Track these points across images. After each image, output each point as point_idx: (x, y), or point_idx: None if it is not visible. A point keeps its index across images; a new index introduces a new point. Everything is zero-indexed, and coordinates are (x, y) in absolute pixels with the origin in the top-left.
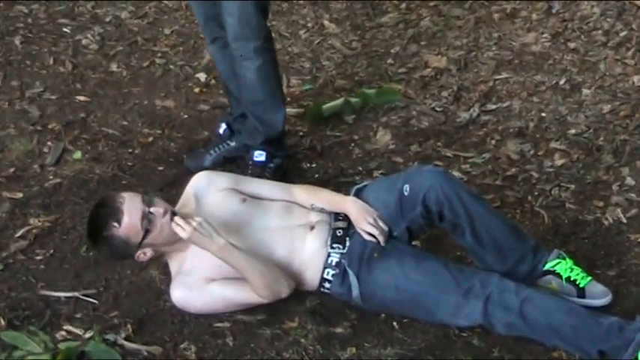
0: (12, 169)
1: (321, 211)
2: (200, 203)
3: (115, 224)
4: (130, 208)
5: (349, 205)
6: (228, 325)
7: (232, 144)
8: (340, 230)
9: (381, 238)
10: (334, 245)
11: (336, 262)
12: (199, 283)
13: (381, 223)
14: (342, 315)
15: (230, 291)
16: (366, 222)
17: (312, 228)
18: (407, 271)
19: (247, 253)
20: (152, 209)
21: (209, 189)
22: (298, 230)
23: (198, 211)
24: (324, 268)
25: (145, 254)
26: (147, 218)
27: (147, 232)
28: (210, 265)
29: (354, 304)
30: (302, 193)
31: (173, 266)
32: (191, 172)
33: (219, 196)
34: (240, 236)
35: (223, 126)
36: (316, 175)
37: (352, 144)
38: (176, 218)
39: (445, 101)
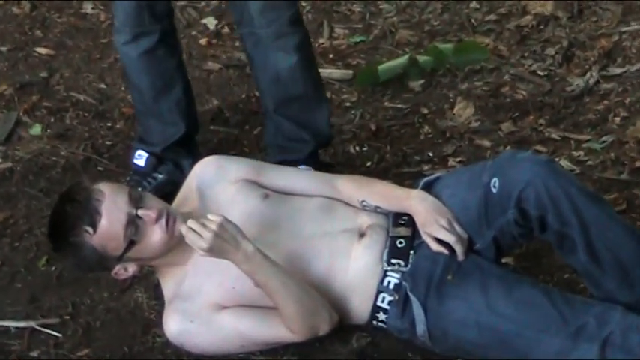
0: None
1: (376, 210)
2: (205, 200)
3: (89, 229)
4: (111, 209)
5: (415, 202)
6: None
7: (160, 177)
8: (402, 240)
9: (458, 248)
10: (393, 261)
11: (395, 285)
12: (204, 311)
13: (458, 228)
14: (402, 357)
15: (248, 323)
16: (437, 225)
17: (363, 235)
18: (493, 302)
19: (283, 270)
20: (141, 212)
21: (218, 180)
22: (342, 239)
23: (201, 210)
24: (378, 292)
25: (126, 270)
26: (133, 225)
27: (131, 243)
28: (219, 285)
29: (420, 345)
30: (349, 185)
31: (167, 287)
32: None
33: (232, 191)
34: (263, 246)
35: (143, 154)
36: (368, 164)
37: (420, 120)
38: (190, 222)
39: (550, 62)
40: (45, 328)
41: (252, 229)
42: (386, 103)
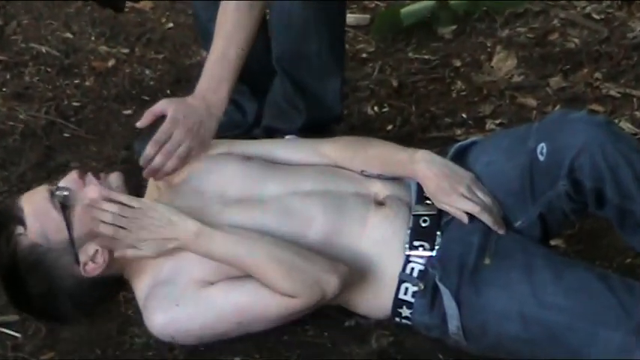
0: None
1: (378, 177)
2: (172, 185)
3: (19, 228)
4: (30, 196)
5: (421, 166)
6: None
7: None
8: (426, 218)
9: (486, 219)
10: (416, 243)
11: (420, 273)
12: (189, 290)
13: (480, 194)
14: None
15: (241, 292)
16: (454, 193)
17: (381, 205)
18: (540, 289)
19: (243, 233)
20: (62, 182)
21: None
22: (354, 202)
23: (169, 198)
24: (400, 282)
25: (94, 260)
26: (60, 192)
27: (65, 209)
28: (201, 259)
29: (452, 344)
30: (340, 152)
31: (141, 284)
32: None
33: (205, 164)
34: (246, 211)
35: None
36: (389, 127)
37: (451, 74)
38: (92, 189)
39: (608, 4)
40: (2, 327)
41: (235, 191)
42: (410, 54)
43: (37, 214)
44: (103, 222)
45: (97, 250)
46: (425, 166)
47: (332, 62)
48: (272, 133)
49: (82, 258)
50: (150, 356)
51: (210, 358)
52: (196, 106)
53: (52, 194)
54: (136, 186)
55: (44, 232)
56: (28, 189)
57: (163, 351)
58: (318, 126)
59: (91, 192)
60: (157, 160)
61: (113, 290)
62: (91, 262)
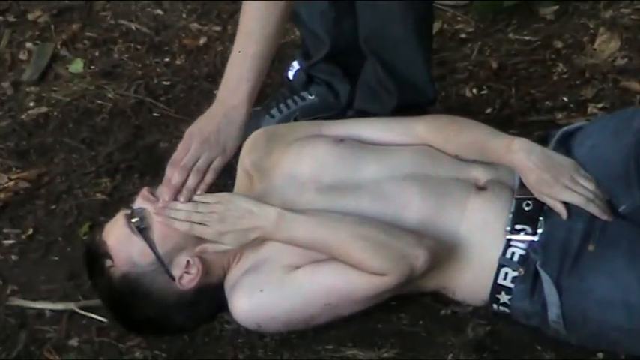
0: None
1: (474, 162)
2: (264, 174)
3: (107, 261)
4: (110, 228)
5: (519, 156)
6: None
7: (310, 98)
8: (529, 202)
9: (593, 209)
10: (517, 227)
11: (521, 257)
12: (274, 275)
13: (584, 182)
14: (529, 352)
15: (328, 272)
16: (557, 185)
17: (482, 189)
18: None
19: (325, 215)
20: (134, 205)
21: (274, 147)
22: (454, 186)
23: (262, 185)
24: (500, 266)
25: (188, 272)
26: (133, 216)
27: (143, 232)
28: (285, 246)
29: (551, 334)
30: (431, 133)
31: (230, 271)
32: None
33: (295, 148)
34: (340, 198)
35: (295, 66)
36: (488, 110)
37: (552, 56)
38: (183, 207)
39: None
40: (87, 311)
41: (329, 177)
42: (510, 35)
43: (119, 243)
44: (178, 221)
45: (188, 261)
46: (524, 157)
47: (418, 44)
48: (364, 116)
49: (176, 272)
50: (239, 343)
51: (302, 346)
52: (213, 115)
53: (128, 220)
54: (226, 170)
55: (131, 259)
56: (115, 170)
57: (253, 338)
58: (411, 108)
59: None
60: (175, 178)
61: (220, 296)
62: (186, 274)
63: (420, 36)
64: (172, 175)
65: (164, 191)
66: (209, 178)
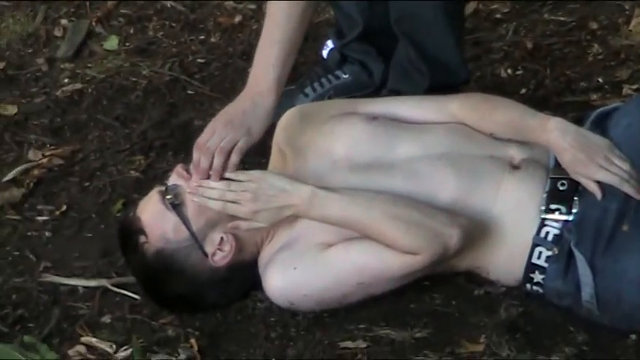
0: (0, 66)
1: (509, 141)
2: (298, 152)
3: (142, 238)
4: (144, 204)
5: (555, 135)
6: (364, 346)
7: (344, 77)
8: (564, 182)
9: (627, 189)
10: (552, 206)
11: (555, 237)
12: (307, 253)
13: (619, 162)
14: (561, 333)
15: (360, 250)
16: (592, 164)
17: (516, 168)
18: None
19: (358, 193)
20: (169, 181)
21: (308, 124)
22: (488, 164)
23: (296, 162)
24: (534, 245)
25: (222, 249)
26: (167, 193)
27: (177, 208)
28: (318, 223)
29: (584, 315)
30: (466, 111)
31: (264, 249)
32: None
33: (328, 126)
34: (373, 176)
35: (329, 45)
36: (523, 90)
37: (587, 37)
38: (217, 186)
39: None
40: (120, 288)
41: (363, 155)
42: (545, 16)
43: (153, 219)
44: (212, 199)
45: (222, 238)
46: (559, 136)
47: (449, 25)
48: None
49: (209, 249)
50: (272, 322)
51: (335, 325)
52: (240, 99)
53: (162, 196)
54: (260, 147)
55: (165, 235)
56: (149, 147)
57: (286, 316)
58: (443, 89)
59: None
60: (202, 161)
61: (254, 273)
62: (219, 250)
63: (451, 17)
64: (198, 158)
65: (193, 174)
66: (234, 158)
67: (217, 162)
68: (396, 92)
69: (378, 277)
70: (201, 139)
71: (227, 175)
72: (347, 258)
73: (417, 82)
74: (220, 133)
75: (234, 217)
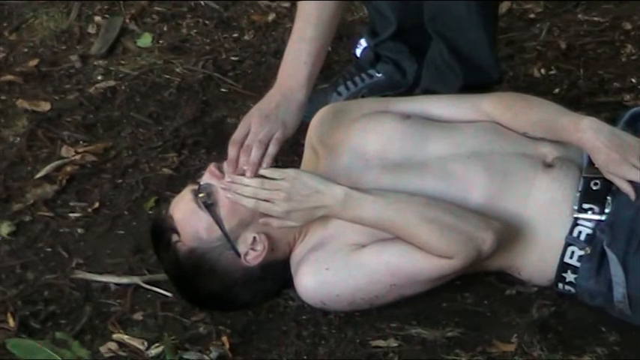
0: (34, 62)
1: (542, 139)
2: (331, 149)
3: (174, 236)
4: (177, 202)
5: (588, 134)
6: (396, 345)
7: (377, 76)
8: (597, 182)
9: None
10: (585, 206)
11: (588, 237)
12: (340, 253)
13: None
14: (593, 333)
15: (394, 251)
16: (626, 164)
17: (549, 166)
18: None
19: (392, 195)
20: (200, 180)
21: (340, 122)
22: (521, 162)
23: (328, 161)
24: (567, 244)
25: (254, 248)
26: (200, 192)
27: (210, 207)
28: (351, 224)
29: (616, 315)
30: (499, 110)
31: (297, 249)
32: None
33: (361, 123)
34: (405, 176)
35: (363, 44)
36: (556, 90)
37: (621, 37)
38: (252, 182)
39: None
40: (151, 285)
41: (395, 154)
42: (579, 16)
43: (186, 218)
44: (245, 197)
45: (254, 238)
46: (593, 135)
47: (483, 25)
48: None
49: (242, 249)
50: (303, 320)
51: (366, 324)
52: (271, 96)
53: (195, 195)
54: (293, 146)
55: (197, 235)
56: (182, 144)
57: (317, 315)
58: (477, 89)
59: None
60: (241, 159)
61: (286, 272)
62: (252, 250)
63: (484, 17)
64: (234, 153)
65: (228, 170)
66: (272, 149)
67: (255, 154)
68: (430, 92)
69: (411, 279)
70: (237, 135)
71: (262, 172)
72: (380, 259)
73: (450, 82)
74: (257, 128)
75: (266, 217)
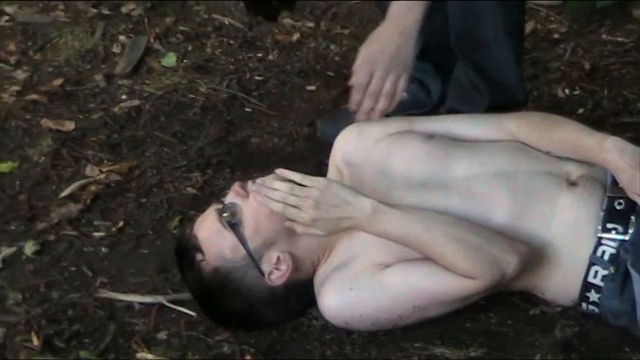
0: (58, 82)
1: (566, 158)
2: (355, 169)
3: (197, 255)
4: (201, 222)
5: (612, 155)
6: None
7: (402, 94)
8: (622, 201)
9: None
10: (609, 225)
11: (611, 257)
12: (363, 274)
13: None
14: (616, 353)
15: (418, 273)
16: None
17: (573, 185)
18: None
19: (420, 212)
20: (224, 199)
21: (365, 142)
22: (545, 181)
23: (353, 181)
24: (591, 264)
25: (278, 268)
26: (225, 211)
27: (234, 227)
28: (377, 242)
29: (639, 334)
30: (523, 128)
31: (320, 267)
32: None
33: (385, 143)
34: (430, 196)
35: None
36: (580, 110)
37: None
38: (254, 183)
39: None
40: (176, 304)
41: (420, 174)
42: (603, 36)
43: (211, 238)
44: (274, 201)
45: (278, 257)
46: (617, 156)
47: (509, 47)
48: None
49: (266, 268)
50: (327, 340)
51: (390, 344)
52: (389, 35)
53: (219, 214)
54: (317, 165)
55: (221, 254)
56: (206, 164)
57: (341, 335)
58: (502, 109)
59: (252, 201)
60: (366, 103)
61: (310, 292)
62: (276, 270)
63: (511, 37)
64: (359, 96)
65: (359, 112)
66: (400, 96)
67: (382, 104)
68: (455, 111)
69: (435, 300)
70: (361, 81)
71: (292, 177)
72: (404, 280)
73: (476, 102)
74: (382, 75)
75: (291, 237)
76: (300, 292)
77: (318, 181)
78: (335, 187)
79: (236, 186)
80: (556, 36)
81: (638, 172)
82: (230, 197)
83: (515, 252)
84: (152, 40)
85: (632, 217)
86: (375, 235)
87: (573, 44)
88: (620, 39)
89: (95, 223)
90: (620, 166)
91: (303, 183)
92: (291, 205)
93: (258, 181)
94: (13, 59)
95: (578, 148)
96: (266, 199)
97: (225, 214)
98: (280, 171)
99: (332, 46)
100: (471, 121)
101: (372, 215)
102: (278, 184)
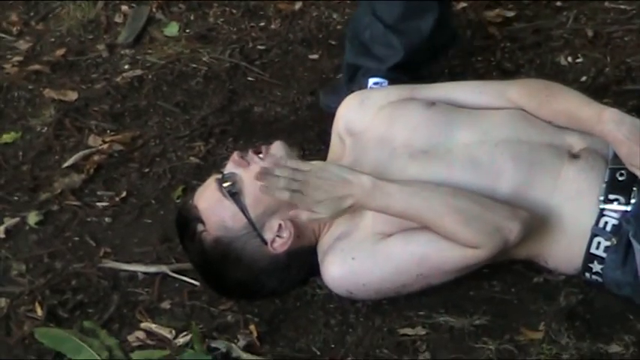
0: (61, 52)
1: (568, 129)
2: (357, 137)
3: (199, 226)
4: (201, 192)
5: (610, 126)
6: (424, 333)
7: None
8: (623, 172)
9: None
10: (611, 197)
11: (614, 227)
12: (366, 243)
13: None
14: (620, 321)
15: (420, 241)
16: None
17: (575, 157)
18: None
19: (419, 184)
20: (225, 169)
21: (366, 110)
22: (547, 153)
23: (355, 149)
24: (593, 235)
25: (280, 235)
26: (225, 181)
27: (235, 196)
28: (377, 213)
29: None
30: (525, 97)
31: (323, 238)
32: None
33: (387, 111)
34: (432, 164)
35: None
36: (583, 78)
37: None
38: (256, 167)
39: None
40: (179, 274)
41: (421, 141)
42: (606, 4)
43: (211, 208)
44: (278, 189)
45: (280, 225)
46: (614, 128)
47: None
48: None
49: (268, 236)
50: (331, 308)
51: (394, 312)
52: None
53: (220, 184)
54: (319, 135)
55: (223, 224)
56: (209, 133)
57: (345, 303)
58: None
59: (254, 167)
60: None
61: (312, 259)
62: (278, 237)
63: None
64: None
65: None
66: None
67: None
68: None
69: (437, 268)
70: None
71: (289, 163)
72: (406, 249)
73: (384, 58)
74: None
75: (293, 205)
76: (303, 260)
77: (314, 164)
78: (332, 167)
79: (235, 155)
80: (559, 3)
81: (635, 144)
82: (230, 167)
83: (517, 218)
84: (154, 10)
85: (635, 188)
86: (376, 211)
87: (576, 12)
88: (622, 6)
89: (98, 193)
90: (618, 138)
91: (302, 168)
92: (295, 191)
93: (257, 168)
94: (15, 29)
95: (577, 119)
96: (272, 189)
97: (225, 184)
98: (276, 158)
99: (334, 15)
100: (472, 88)
101: (371, 191)
102: (279, 171)
